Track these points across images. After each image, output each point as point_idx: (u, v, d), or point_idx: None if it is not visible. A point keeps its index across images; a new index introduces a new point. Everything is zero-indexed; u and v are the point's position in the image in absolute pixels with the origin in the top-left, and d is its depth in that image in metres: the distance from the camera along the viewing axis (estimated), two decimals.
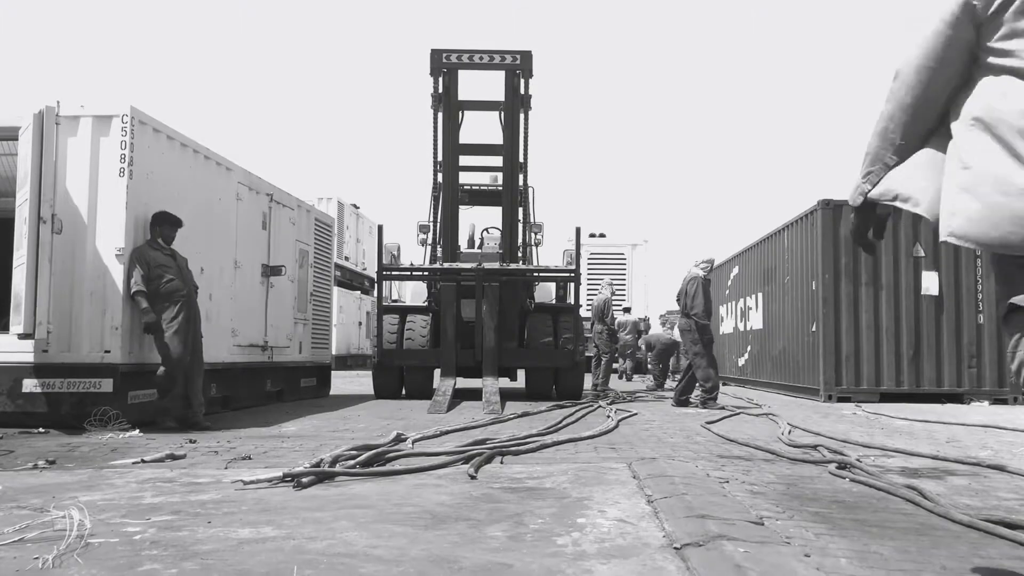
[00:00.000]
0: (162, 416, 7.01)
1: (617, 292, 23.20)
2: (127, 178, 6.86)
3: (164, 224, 7.12)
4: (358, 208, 27.20)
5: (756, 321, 16.20)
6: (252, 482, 3.98)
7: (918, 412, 9.40)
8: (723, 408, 9.81)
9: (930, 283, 11.82)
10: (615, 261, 24.42)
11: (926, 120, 2.13)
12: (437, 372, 11.17)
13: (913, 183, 2.12)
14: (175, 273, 7.05)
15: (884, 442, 6.19)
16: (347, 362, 24.12)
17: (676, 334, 14.03)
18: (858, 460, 4.95)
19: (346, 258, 25.40)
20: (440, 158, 11.97)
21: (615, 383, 16.25)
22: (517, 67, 11.21)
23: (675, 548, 2.75)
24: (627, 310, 19.22)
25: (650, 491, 3.78)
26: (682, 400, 10.47)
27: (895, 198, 2.14)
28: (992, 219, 1.87)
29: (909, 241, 11.88)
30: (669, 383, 15.96)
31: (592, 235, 23.71)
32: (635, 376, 19.53)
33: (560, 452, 5.49)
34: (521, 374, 12.48)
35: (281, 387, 10.36)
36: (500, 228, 12.36)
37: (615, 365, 17.03)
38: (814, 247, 12.31)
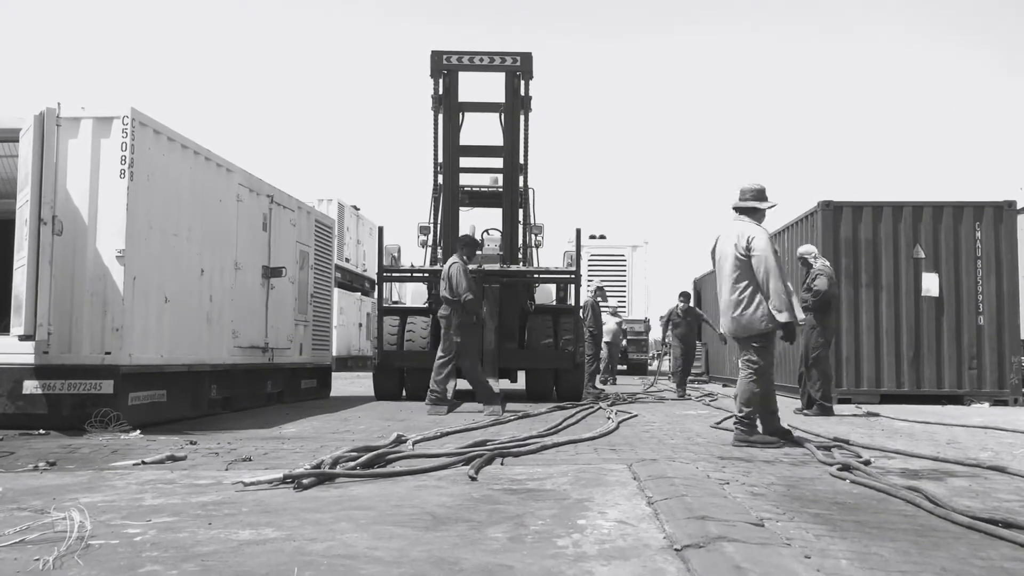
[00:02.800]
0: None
1: (618, 293, 23.21)
2: (128, 180, 6.86)
3: (474, 246, 9.55)
4: (358, 210, 27.18)
5: None
6: (253, 483, 3.99)
7: (918, 413, 9.40)
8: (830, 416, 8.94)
9: (930, 284, 11.81)
10: (615, 262, 24.38)
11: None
12: None
13: None
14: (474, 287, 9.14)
15: (884, 443, 6.19)
16: (347, 363, 24.09)
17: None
18: (859, 462, 4.95)
19: (347, 260, 25.38)
20: (440, 160, 11.97)
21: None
22: (517, 69, 11.21)
23: (675, 550, 2.76)
24: (613, 312, 18.67)
25: (650, 493, 3.78)
26: (826, 407, 9.23)
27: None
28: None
29: (909, 243, 11.88)
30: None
31: (592, 236, 23.67)
32: (608, 378, 19.48)
33: (560, 454, 5.49)
34: (521, 375, 12.48)
35: (281, 388, 10.36)
36: (500, 230, 12.36)
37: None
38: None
